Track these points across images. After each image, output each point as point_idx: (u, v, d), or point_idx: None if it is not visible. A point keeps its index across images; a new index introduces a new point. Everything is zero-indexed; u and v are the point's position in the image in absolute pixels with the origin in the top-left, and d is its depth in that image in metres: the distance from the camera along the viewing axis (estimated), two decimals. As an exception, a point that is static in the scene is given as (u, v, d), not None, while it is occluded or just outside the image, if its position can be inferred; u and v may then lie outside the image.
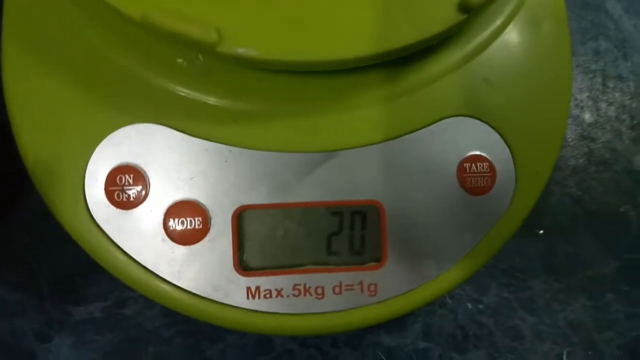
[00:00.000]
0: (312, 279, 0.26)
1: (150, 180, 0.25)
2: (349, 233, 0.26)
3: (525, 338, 0.37)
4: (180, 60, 0.25)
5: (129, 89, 0.25)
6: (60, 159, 0.25)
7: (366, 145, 0.26)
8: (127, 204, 0.25)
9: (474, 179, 0.26)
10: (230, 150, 0.25)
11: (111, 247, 0.25)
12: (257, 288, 0.25)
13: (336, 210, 0.26)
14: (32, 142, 0.25)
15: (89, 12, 0.25)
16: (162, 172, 0.25)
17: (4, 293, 0.35)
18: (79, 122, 0.25)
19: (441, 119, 0.26)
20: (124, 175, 0.25)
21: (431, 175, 0.26)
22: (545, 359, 0.37)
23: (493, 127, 0.27)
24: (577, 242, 0.39)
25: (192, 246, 0.25)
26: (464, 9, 0.23)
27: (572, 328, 0.38)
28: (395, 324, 0.37)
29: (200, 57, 0.25)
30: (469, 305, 0.37)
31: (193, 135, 0.25)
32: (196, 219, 0.25)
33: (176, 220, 0.25)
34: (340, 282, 0.26)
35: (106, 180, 0.25)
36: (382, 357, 0.36)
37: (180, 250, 0.25)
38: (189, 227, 0.25)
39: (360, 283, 0.26)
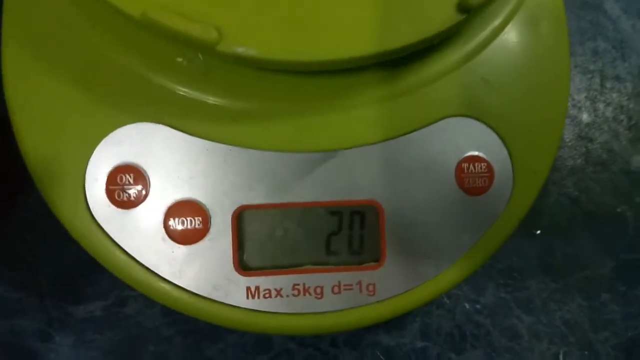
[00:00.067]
0: (311, 278, 0.26)
1: (151, 180, 0.25)
2: (348, 233, 0.26)
3: (523, 338, 0.37)
4: (180, 59, 0.25)
5: (129, 88, 0.25)
6: (61, 158, 0.25)
7: (365, 145, 0.26)
8: (127, 204, 0.25)
9: (472, 179, 0.26)
10: (230, 150, 0.25)
11: (112, 246, 0.25)
12: (257, 288, 0.25)
13: (335, 210, 0.26)
14: (33, 141, 0.25)
15: (89, 11, 0.25)
16: (162, 171, 0.25)
17: (4, 292, 0.35)
18: (79, 121, 0.25)
19: (440, 119, 0.26)
20: (124, 174, 0.25)
21: (429, 176, 0.26)
22: (542, 358, 0.37)
23: (491, 128, 0.27)
24: (574, 242, 0.39)
25: (192, 246, 0.25)
26: (463, 9, 0.23)
27: (569, 328, 0.38)
28: (394, 323, 0.37)
29: (200, 56, 0.25)
30: (467, 305, 0.37)
31: (193, 135, 0.25)
32: (196, 218, 0.25)
33: (176, 219, 0.25)
34: (339, 282, 0.26)
35: (106, 180, 0.25)
36: (381, 356, 0.36)
37: (181, 249, 0.25)
38: (189, 226, 0.25)
39: (359, 283, 0.26)
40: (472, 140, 0.27)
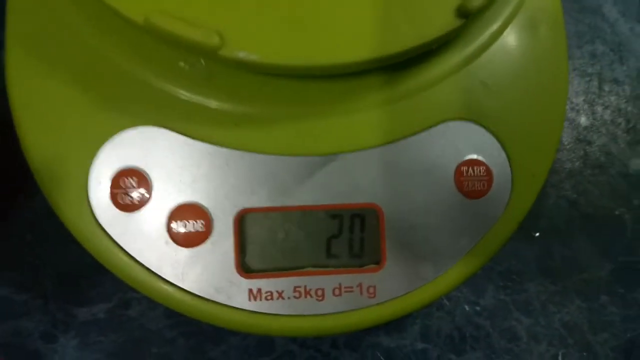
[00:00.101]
0: (313, 281, 0.26)
1: (153, 183, 0.25)
2: (348, 236, 0.26)
3: (522, 339, 0.37)
4: (182, 64, 0.25)
5: (131, 92, 0.25)
6: (64, 161, 0.25)
7: (365, 149, 0.26)
8: (130, 207, 0.25)
9: (470, 182, 0.26)
10: (232, 154, 0.25)
11: (115, 249, 0.25)
12: (259, 290, 0.25)
13: (336, 214, 0.26)
14: (36, 145, 0.25)
15: (92, 16, 0.25)
16: (165, 175, 0.25)
17: (10, 293, 0.35)
18: (83, 124, 0.25)
19: (439, 123, 0.26)
20: (128, 178, 0.25)
21: (429, 179, 0.26)
22: None
23: (490, 131, 0.27)
24: (573, 245, 0.39)
25: (195, 248, 0.25)
26: (462, 14, 0.23)
27: (568, 330, 0.38)
28: (394, 325, 0.37)
29: (202, 60, 0.25)
30: (466, 307, 0.37)
31: (195, 139, 0.25)
32: (199, 221, 0.25)
33: (179, 222, 0.25)
34: (340, 284, 0.26)
35: (110, 183, 0.25)
36: (382, 357, 0.36)
37: (183, 252, 0.25)
38: (191, 229, 0.25)
39: (360, 285, 0.26)
40: (471, 144, 0.27)
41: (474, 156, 0.27)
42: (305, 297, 0.26)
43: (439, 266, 0.26)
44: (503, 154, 0.27)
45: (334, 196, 0.26)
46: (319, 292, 0.26)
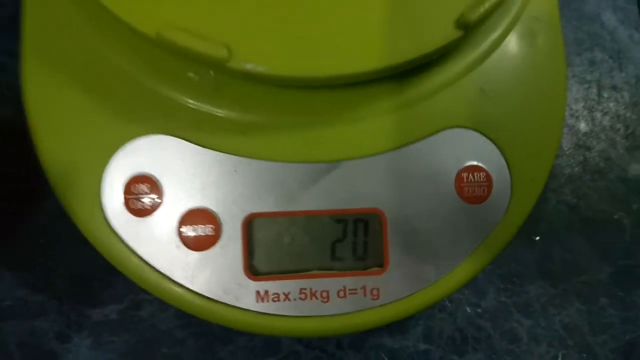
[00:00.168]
0: (318, 283, 0.26)
1: (165, 189, 0.25)
2: (352, 240, 0.26)
3: (522, 341, 0.37)
4: (191, 75, 0.25)
5: (143, 102, 0.26)
6: (78, 167, 0.25)
7: (369, 156, 0.26)
8: (142, 212, 0.25)
9: (471, 188, 0.27)
10: (240, 161, 0.26)
11: (127, 252, 0.25)
12: (266, 292, 0.26)
13: (340, 218, 0.26)
14: (51, 152, 0.25)
15: (106, 28, 0.25)
16: (176, 181, 0.26)
17: (26, 295, 0.35)
18: (96, 132, 0.26)
19: (440, 131, 0.27)
20: (140, 184, 0.25)
21: (430, 185, 0.27)
22: (541, 361, 0.37)
23: (490, 138, 0.27)
24: (573, 249, 0.39)
25: (204, 252, 0.25)
26: (462, 25, 0.24)
27: (568, 331, 0.38)
28: (397, 326, 0.37)
29: (211, 72, 0.25)
30: (468, 309, 0.37)
31: (204, 147, 0.26)
32: (208, 226, 0.25)
33: (189, 227, 0.25)
34: (345, 287, 0.26)
35: (122, 189, 0.25)
36: (385, 358, 0.36)
37: (193, 255, 0.25)
38: (201, 233, 0.25)
39: (364, 287, 0.26)
40: (471, 151, 0.27)
41: (474, 162, 0.27)
42: (311, 298, 0.26)
43: (440, 269, 0.27)
44: (502, 161, 0.27)
45: (338, 201, 0.26)
46: (324, 294, 0.26)
